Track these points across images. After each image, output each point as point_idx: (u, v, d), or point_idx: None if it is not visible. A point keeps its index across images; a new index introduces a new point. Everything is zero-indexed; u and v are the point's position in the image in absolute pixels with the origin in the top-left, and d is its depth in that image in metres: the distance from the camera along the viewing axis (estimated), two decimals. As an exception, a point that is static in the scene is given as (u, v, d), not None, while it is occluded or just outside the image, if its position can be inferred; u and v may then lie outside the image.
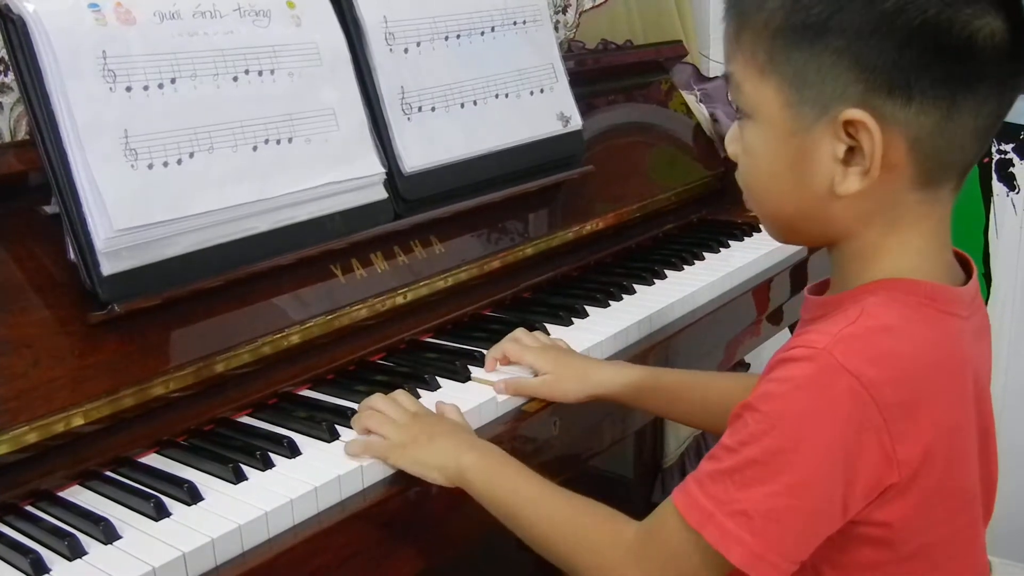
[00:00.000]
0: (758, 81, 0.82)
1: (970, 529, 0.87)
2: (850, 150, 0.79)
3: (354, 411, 1.10)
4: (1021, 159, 2.13)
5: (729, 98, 0.87)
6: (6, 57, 1.12)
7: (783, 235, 0.90)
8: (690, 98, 2.00)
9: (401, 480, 1.02)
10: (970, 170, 0.84)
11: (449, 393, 1.17)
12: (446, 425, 1.06)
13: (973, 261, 0.89)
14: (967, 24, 0.75)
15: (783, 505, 0.77)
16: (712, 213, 1.89)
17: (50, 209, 1.08)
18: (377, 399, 1.08)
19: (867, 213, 0.82)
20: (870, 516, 0.80)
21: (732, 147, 0.89)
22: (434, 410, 1.10)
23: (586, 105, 1.65)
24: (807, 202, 0.83)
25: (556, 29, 1.95)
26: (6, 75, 1.30)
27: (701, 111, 2.00)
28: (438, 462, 0.99)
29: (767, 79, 0.81)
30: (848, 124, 0.78)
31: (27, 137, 1.23)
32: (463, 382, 1.20)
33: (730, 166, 1.98)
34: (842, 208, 0.82)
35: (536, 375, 1.19)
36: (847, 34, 0.76)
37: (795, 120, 0.80)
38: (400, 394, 1.10)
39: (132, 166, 1.08)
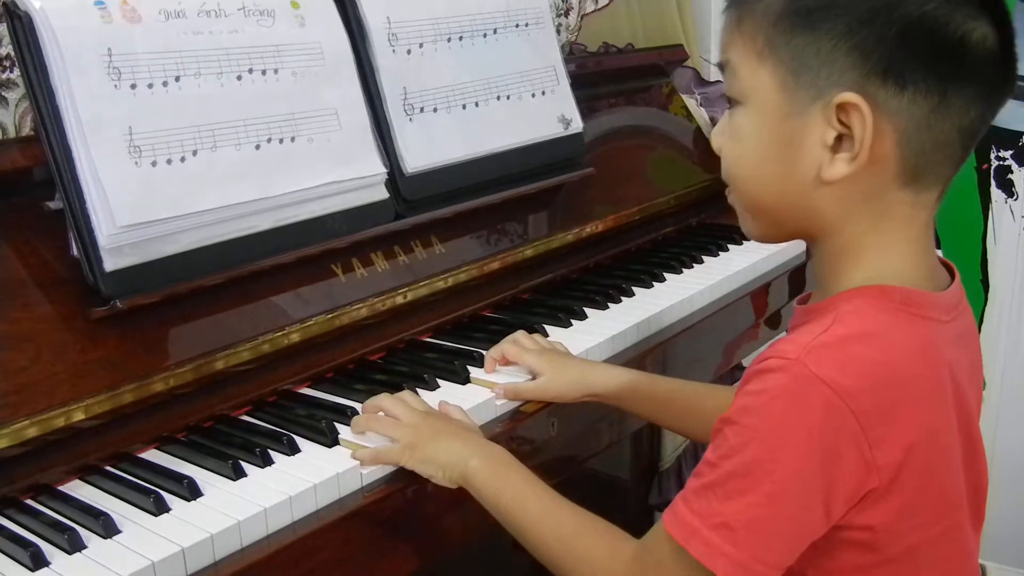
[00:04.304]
0: (756, 65, 0.83)
1: (956, 532, 0.87)
2: (838, 138, 0.80)
3: (354, 410, 1.11)
4: (1019, 166, 2.14)
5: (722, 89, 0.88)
6: (12, 53, 1.13)
7: (763, 226, 0.90)
8: (691, 102, 2.01)
9: (399, 479, 1.02)
10: (951, 179, 0.85)
11: (448, 393, 1.18)
12: (453, 425, 1.06)
13: (956, 268, 0.90)
14: (961, 24, 0.77)
15: (764, 515, 0.78)
16: (711, 217, 1.89)
17: (54, 205, 1.09)
18: (384, 399, 1.09)
19: (850, 205, 0.83)
20: (853, 520, 0.80)
21: (717, 140, 0.90)
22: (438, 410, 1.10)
23: (587, 108, 1.66)
24: (792, 189, 0.84)
25: (558, 32, 1.95)
26: (12, 71, 1.31)
27: (701, 115, 2.00)
28: (445, 462, 1.00)
29: (764, 63, 0.82)
30: (840, 109, 0.79)
31: (32, 133, 1.23)
32: (462, 383, 1.21)
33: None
34: (826, 197, 0.83)
35: (533, 377, 1.20)
36: (848, 20, 0.78)
37: (789, 104, 0.82)
38: (407, 394, 1.10)
39: (136, 163, 1.08)
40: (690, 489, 0.82)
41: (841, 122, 0.79)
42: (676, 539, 0.81)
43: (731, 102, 0.87)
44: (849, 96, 0.78)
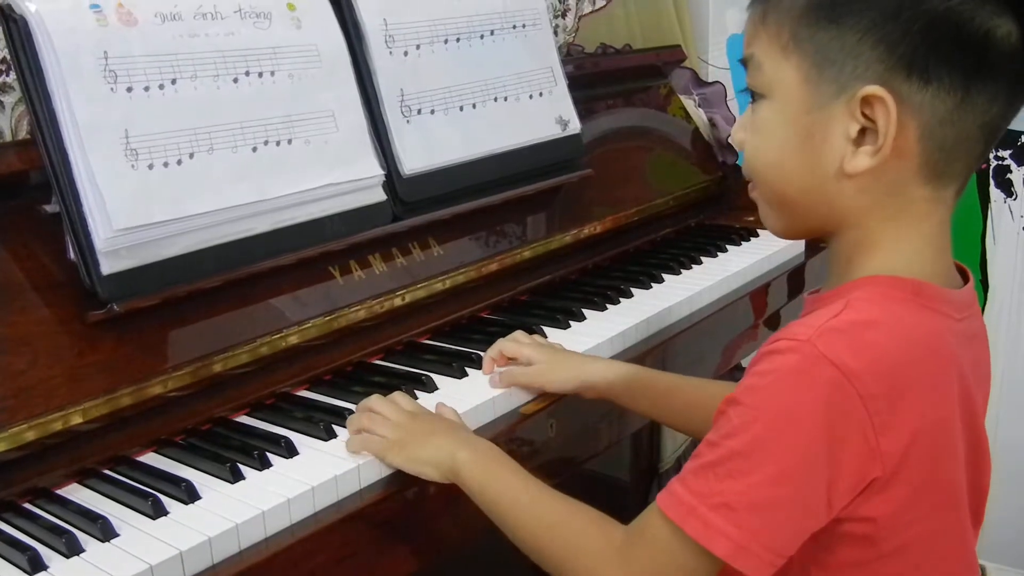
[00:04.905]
0: (780, 59, 0.84)
1: (956, 528, 0.87)
2: (861, 132, 0.81)
3: (352, 412, 1.11)
4: (1019, 166, 2.14)
5: (745, 84, 0.88)
6: (8, 57, 1.13)
7: (785, 221, 0.90)
8: (689, 103, 2.00)
9: (397, 481, 1.02)
10: (970, 176, 0.85)
11: (446, 395, 1.17)
12: (443, 423, 1.06)
13: (970, 271, 0.90)
14: (986, 20, 0.78)
15: (766, 496, 0.77)
16: (710, 217, 1.89)
17: (50, 208, 1.09)
18: (375, 400, 1.09)
19: (871, 199, 0.83)
20: (855, 512, 0.80)
21: (739, 134, 0.90)
22: (433, 411, 1.10)
23: (585, 109, 1.65)
24: (814, 182, 0.84)
25: (555, 33, 1.95)
26: (8, 75, 1.31)
27: (700, 116, 2.00)
28: (433, 458, 1.00)
29: (789, 57, 0.83)
30: (865, 103, 0.79)
31: (28, 136, 1.23)
32: (460, 383, 1.20)
33: (728, 171, 1.99)
34: (847, 190, 0.83)
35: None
36: (873, 15, 0.79)
37: (812, 98, 0.82)
38: (398, 395, 1.10)
39: (132, 166, 1.08)
40: (688, 470, 0.81)
41: (865, 115, 0.80)
42: (672, 518, 0.79)
43: (754, 96, 0.87)
44: (874, 89, 0.79)
